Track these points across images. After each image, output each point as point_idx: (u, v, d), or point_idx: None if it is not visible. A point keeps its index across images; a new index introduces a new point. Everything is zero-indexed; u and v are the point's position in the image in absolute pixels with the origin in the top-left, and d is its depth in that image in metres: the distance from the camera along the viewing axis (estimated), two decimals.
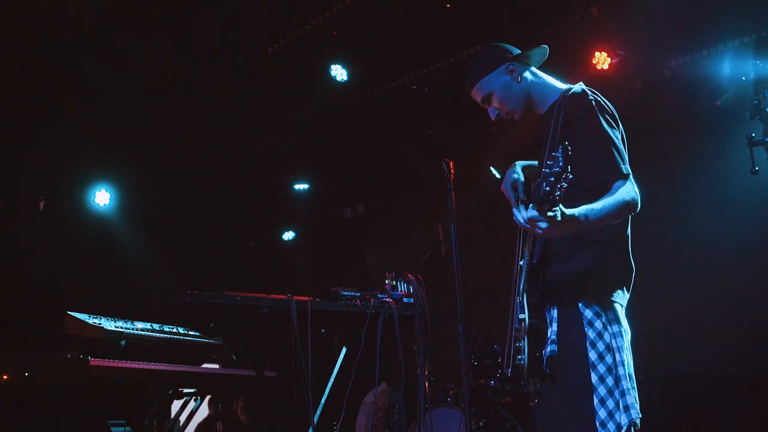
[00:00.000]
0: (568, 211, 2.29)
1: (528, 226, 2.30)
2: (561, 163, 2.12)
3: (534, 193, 2.28)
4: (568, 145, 2.13)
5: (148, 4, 5.30)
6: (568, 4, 5.62)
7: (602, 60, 5.93)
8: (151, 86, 6.27)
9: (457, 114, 6.83)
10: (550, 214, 2.22)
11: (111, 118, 6.49)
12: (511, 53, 2.87)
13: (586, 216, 2.36)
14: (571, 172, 2.13)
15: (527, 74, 2.86)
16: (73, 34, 5.42)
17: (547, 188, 2.17)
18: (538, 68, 2.94)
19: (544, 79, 2.88)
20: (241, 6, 5.48)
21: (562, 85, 2.84)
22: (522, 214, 2.30)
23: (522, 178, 2.85)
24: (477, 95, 2.90)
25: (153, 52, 5.83)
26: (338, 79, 6.24)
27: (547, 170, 2.17)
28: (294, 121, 7.17)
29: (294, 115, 7.06)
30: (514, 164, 2.91)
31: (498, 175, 7.57)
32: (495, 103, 2.86)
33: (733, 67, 5.51)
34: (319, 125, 7.31)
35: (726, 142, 6.05)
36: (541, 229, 2.27)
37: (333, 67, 6.19)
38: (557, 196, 2.18)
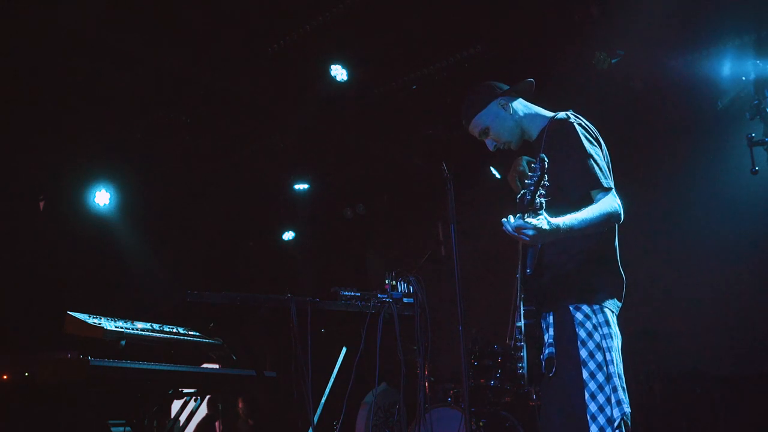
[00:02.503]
0: (553, 220, 2.48)
1: (515, 234, 2.47)
2: (538, 173, 2.37)
3: (519, 203, 2.47)
4: (545, 157, 2.37)
5: (147, 4, 5.30)
6: (568, 4, 5.62)
7: (602, 60, 5.92)
8: (151, 86, 6.27)
9: (457, 114, 6.82)
10: (535, 222, 2.41)
11: (111, 118, 6.48)
12: (501, 89, 3.11)
13: (569, 225, 2.55)
14: (548, 180, 2.37)
15: (518, 106, 3.09)
16: (73, 35, 5.41)
17: (529, 197, 2.40)
18: (528, 100, 3.16)
19: (533, 110, 3.10)
20: (242, 6, 5.48)
21: (549, 113, 3.05)
22: (510, 224, 2.47)
23: (528, 171, 3.04)
24: (474, 130, 3.15)
25: (153, 52, 5.82)
26: (338, 79, 6.24)
27: (528, 181, 2.40)
28: (294, 121, 7.16)
29: (294, 115, 7.05)
30: (521, 157, 3.12)
31: (498, 175, 7.57)
32: (491, 136, 3.10)
33: (733, 67, 5.51)
34: (319, 125, 7.31)
35: (726, 142, 6.05)
36: (527, 236, 2.46)
37: (333, 67, 6.19)
38: (537, 203, 2.40)
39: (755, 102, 4.23)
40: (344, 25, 5.71)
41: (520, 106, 3.09)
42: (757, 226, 6.01)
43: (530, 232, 2.42)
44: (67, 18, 5.25)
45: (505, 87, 3.12)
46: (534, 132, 3.05)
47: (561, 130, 2.83)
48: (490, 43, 5.98)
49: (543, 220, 2.42)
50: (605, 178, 2.74)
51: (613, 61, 5.90)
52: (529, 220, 2.41)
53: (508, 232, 2.48)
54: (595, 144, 2.84)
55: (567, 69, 5.90)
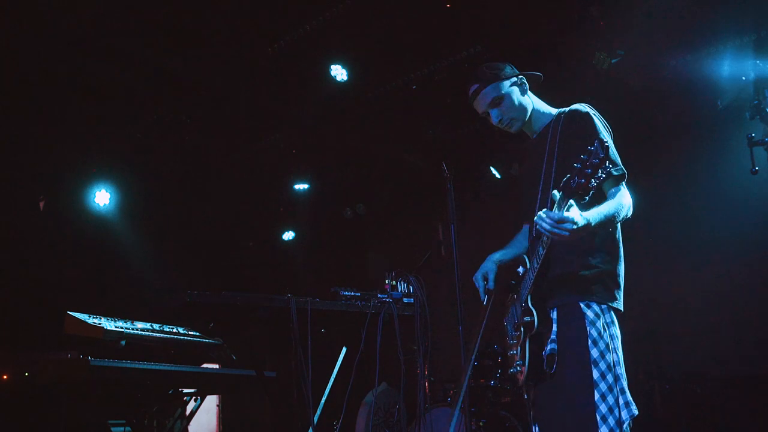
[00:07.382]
0: (584, 214, 2.42)
1: (554, 230, 2.36)
2: (602, 154, 2.17)
3: (564, 186, 2.32)
4: (605, 140, 2.20)
5: (148, 3, 5.30)
6: (568, 3, 5.61)
7: (602, 60, 5.92)
8: (151, 86, 6.27)
9: (457, 114, 6.82)
10: (576, 216, 2.33)
11: (111, 118, 6.48)
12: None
13: (598, 220, 2.51)
14: (610, 164, 2.27)
15: (531, 93, 3.09)
16: (73, 34, 5.41)
17: (582, 180, 2.22)
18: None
19: (540, 103, 3.10)
20: (242, 6, 5.48)
21: (553, 110, 3.06)
22: (549, 217, 2.35)
23: (495, 270, 3.09)
24: (487, 96, 3.00)
25: (153, 52, 5.82)
26: (338, 79, 6.23)
27: (578, 164, 2.22)
28: (294, 121, 7.16)
29: (294, 116, 7.05)
30: (489, 257, 3.15)
31: (498, 175, 7.57)
32: (502, 108, 2.99)
33: (733, 67, 5.51)
34: (319, 125, 7.31)
35: (726, 142, 6.05)
36: (566, 231, 2.35)
37: (333, 67, 6.19)
38: (592, 185, 2.23)
39: (755, 102, 4.24)
40: (344, 25, 5.70)
41: (532, 94, 3.10)
42: (757, 226, 6.01)
43: (570, 226, 2.35)
44: (68, 17, 5.25)
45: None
46: (537, 126, 3.05)
47: (579, 120, 2.83)
48: (490, 43, 5.97)
49: (578, 214, 2.37)
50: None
51: (613, 61, 5.90)
52: (568, 214, 2.33)
53: (544, 228, 2.39)
54: (611, 135, 2.88)
55: (567, 69, 5.90)
